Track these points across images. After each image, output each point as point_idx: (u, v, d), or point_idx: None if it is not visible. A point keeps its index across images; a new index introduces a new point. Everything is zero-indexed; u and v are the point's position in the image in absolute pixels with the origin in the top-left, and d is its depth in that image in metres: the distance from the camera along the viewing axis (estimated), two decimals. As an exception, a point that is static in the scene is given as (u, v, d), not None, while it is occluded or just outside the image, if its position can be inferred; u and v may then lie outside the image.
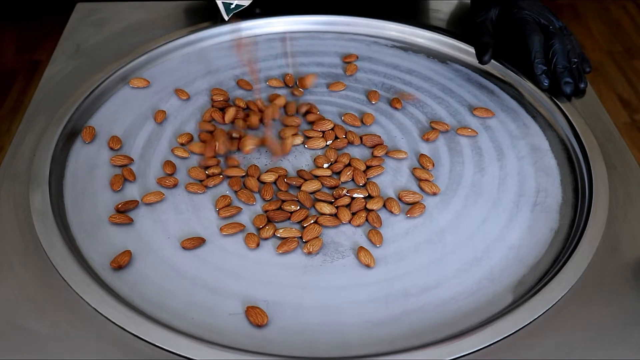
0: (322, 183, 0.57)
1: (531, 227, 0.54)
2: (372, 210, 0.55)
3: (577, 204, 0.56)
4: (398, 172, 0.59)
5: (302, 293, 0.48)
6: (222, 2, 0.73)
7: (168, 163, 0.58)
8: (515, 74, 0.70)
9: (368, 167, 0.59)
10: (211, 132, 0.62)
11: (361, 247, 0.51)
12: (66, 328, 0.45)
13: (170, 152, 0.60)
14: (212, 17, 0.76)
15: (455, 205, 0.56)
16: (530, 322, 0.46)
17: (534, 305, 0.46)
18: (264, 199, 0.56)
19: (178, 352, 0.43)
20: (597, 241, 0.51)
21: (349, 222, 0.54)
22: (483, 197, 0.57)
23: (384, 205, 0.55)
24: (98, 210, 0.54)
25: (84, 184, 0.57)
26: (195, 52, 0.74)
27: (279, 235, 0.52)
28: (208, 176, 0.57)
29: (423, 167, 0.59)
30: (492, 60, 0.69)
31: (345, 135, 0.62)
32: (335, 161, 0.59)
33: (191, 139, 0.61)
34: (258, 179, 0.57)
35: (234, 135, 0.61)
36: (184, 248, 0.51)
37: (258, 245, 0.52)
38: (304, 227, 0.53)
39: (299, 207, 0.55)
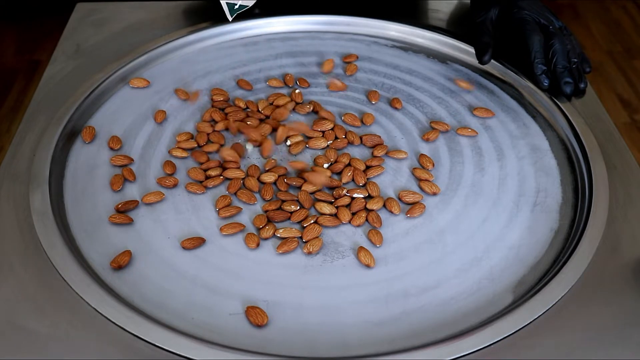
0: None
1: (531, 227, 0.54)
2: (372, 210, 0.55)
3: (577, 204, 0.56)
4: (398, 172, 0.59)
5: (302, 293, 0.48)
6: (226, 3, 0.73)
7: (168, 163, 0.58)
8: (515, 74, 0.70)
9: (368, 167, 0.59)
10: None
11: (361, 247, 0.51)
12: (66, 328, 0.45)
13: (171, 150, 0.60)
14: (212, 17, 0.76)
15: (455, 205, 0.56)
16: (530, 322, 0.46)
17: (534, 305, 0.46)
18: (264, 199, 0.56)
19: (178, 352, 0.43)
20: (597, 241, 0.51)
21: (349, 222, 0.54)
22: (483, 197, 0.57)
23: (384, 205, 0.55)
24: (98, 210, 0.54)
25: (84, 184, 0.57)
26: (195, 52, 0.74)
27: (279, 235, 0.52)
28: (207, 177, 0.57)
29: (423, 167, 0.59)
30: (492, 60, 0.69)
31: (345, 135, 0.62)
32: (336, 161, 0.59)
33: (191, 138, 0.61)
34: (258, 179, 0.57)
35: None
36: (184, 248, 0.51)
37: (258, 245, 0.52)
38: (304, 227, 0.53)
39: (299, 207, 0.55)
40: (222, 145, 0.61)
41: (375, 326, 0.46)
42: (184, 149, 0.60)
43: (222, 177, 0.57)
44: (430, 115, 0.66)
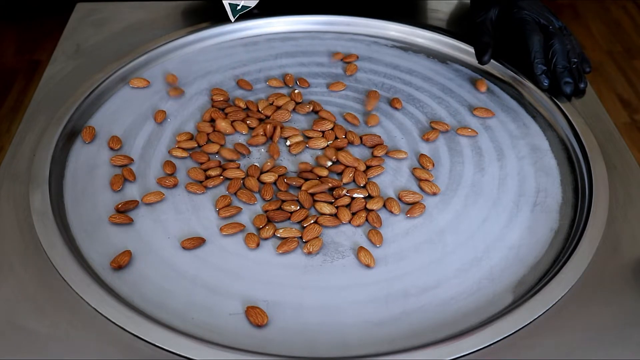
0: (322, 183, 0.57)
1: (531, 227, 0.54)
2: (372, 210, 0.55)
3: (577, 204, 0.56)
4: (398, 172, 0.59)
5: (302, 293, 0.48)
6: (229, 3, 0.73)
7: (168, 163, 0.58)
8: (515, 74, 0.70)
9: (368, 167, 0.59)
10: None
11: (361, 247, 0.51)
12: (66, 328, 0.45)
13: (171, 150, 0.60)
14: (212, 17, 0.76)
15: (455, 205, 0.56)
16: (530, 322, 0.46)
17: (534, 305, 0.46)
18: (264, 199, 0.56)
19: (178, 352, 0.43)
20: (597, 241, 0.51)
21: (349, 222, 0.54)
22: (483, 197, 0.57)
23: (384, 205, 0.55)
24: (98, 210, 0.54)
25: (84, 184, 0.57)
26: (195, 52, 0.74)
27: (279, 235, 0.52)
28: (207, 177, 0.57)
29: (423, 167, 0.59)
30: (492, 60, 0.69)
31: (345, 135, 0.62)
32: (336, 161, 0.59)
33: (191, 138, 0.61)
34: (258, 179, 0.57)
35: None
36: (184, 248, 0.51)
37: (258, 245, 0.52)
38: (304, 227, 0.53)
39: (298, 207, 0.55)
40: (222, 145, 0.61)
41: (375, 326, 0.46)
42: (184, 149, 0.60)
43: (222, 177, 0.57)
44: (430, 115, 0.66)
